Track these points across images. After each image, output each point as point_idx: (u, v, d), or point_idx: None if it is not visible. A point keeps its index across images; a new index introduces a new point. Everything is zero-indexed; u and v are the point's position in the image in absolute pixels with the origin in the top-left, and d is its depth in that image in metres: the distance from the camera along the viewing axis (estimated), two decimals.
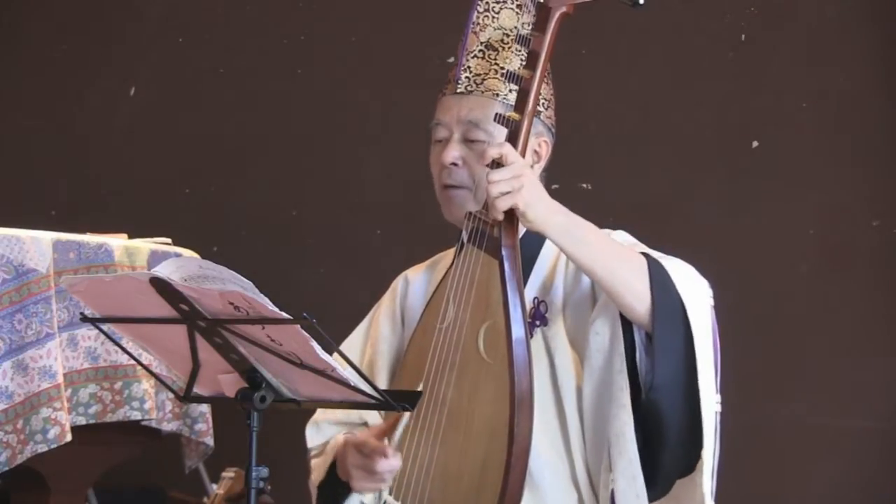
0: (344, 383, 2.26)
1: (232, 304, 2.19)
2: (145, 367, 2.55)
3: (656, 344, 2.55)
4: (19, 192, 5.04)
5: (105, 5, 5.10)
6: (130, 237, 3.78)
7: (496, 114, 2.63)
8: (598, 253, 2.57)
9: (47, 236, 3.46)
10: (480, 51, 2.75)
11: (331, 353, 2.23)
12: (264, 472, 2.32)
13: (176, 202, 4.92)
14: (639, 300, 2.55)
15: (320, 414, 2.87)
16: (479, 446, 2.58)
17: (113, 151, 5.03)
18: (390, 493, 2.68)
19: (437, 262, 2.92)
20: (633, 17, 4.46)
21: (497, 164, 2.55)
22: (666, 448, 2.57)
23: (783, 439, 4.26)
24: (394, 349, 2.87)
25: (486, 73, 2.73)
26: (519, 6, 2.72)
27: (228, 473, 3.23)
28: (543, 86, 2.75)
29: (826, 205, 4.27)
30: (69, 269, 3.48)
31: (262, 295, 2.16)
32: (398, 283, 2.95)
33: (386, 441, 2.58)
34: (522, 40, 2.66)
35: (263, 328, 2.21)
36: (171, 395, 3.64)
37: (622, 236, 2.75)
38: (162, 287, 2.21)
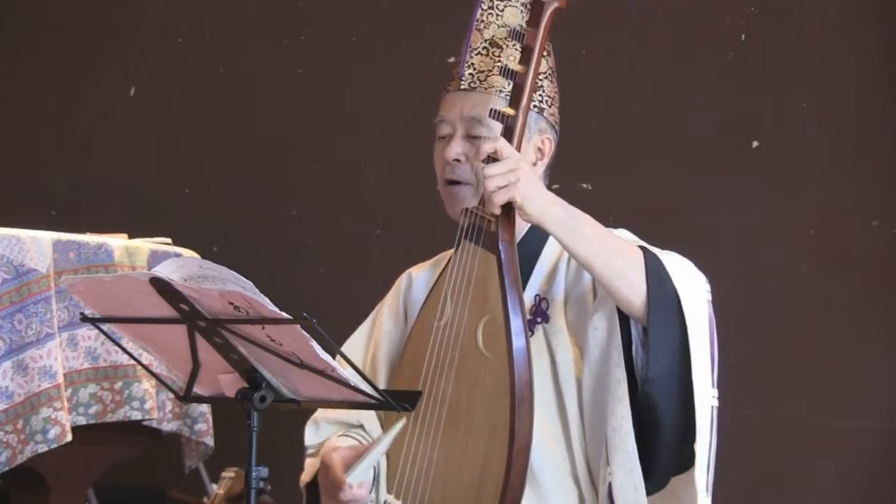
0: (344, 383, 2.27)
1: (232, 304, 2.19)
2: (145, 367, 2.56)
3: (651, 337, 2.56)
4: (19, 192, 5.04)
5: (105, 5, 5.10)
6: (130, 237, 3.78)
7: (491, 109, 2.64)
8: (596, 246, 2.57)
9: (47, 236, 3.46)
10: (484, 48, 2.76)
11: (331, 354, 2.23)
12: (264, 472, 2.32)
13: (176, 202, 4.92)
14: (634, 293, 2.56)
15: (320, 413, 2.88)
16: (480, 443, 2.58)
17: (113, 151, 5.03)
18: (390, 492, 2.69)
19: (440, 261, 2.93)
20: (633, 18, 4.48)
21: (493, 159, 2.56)
22: (661, 441, 2.57)
23: (783, 439, 4.26)
24: (395, 344, 2.87)
25: (490, 70, 2.74)
26: (523, 4, 2.72)
27: (228, 473, 3.23)
28: (547, 83, 2.76)
29: (826, 205, 4.27)
30: (69, 269, 3.48)
31: (262, 295, 2.16)
32: (402, 280, 2.96)
33: (350, 475, 2.59)
34: (517, 35, 2.67)
35: (263, 328, 2.21)
36: (171, 395, 3.64)
37: (624, 234, 2.76)
38: (162, 287, 2.21)
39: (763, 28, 4.36)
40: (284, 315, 2.17)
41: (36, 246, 3.41)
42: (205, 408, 3.77)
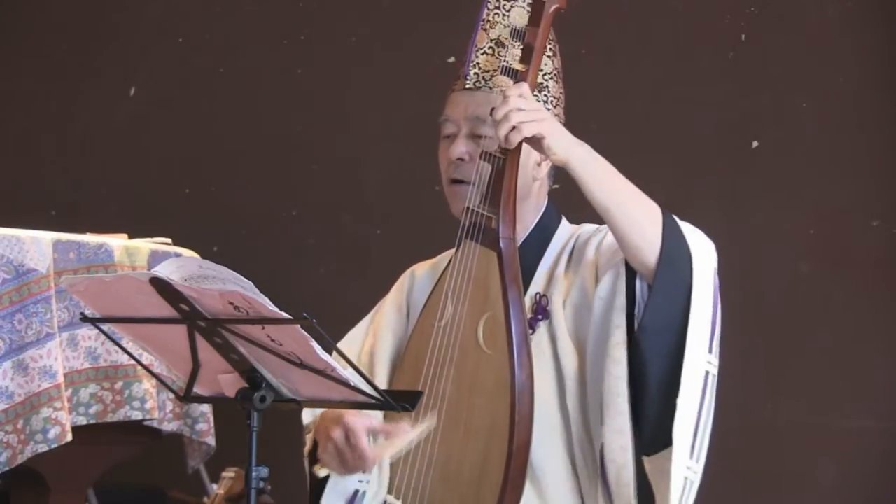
0: (344, 383, 2.27)
1: (232, 304, 2.19)
2: (145, 367, 2.56)
3: (654, 288, 2.56)
4: (19, 192, 5.04)
5: (105, 5, 5.10)
6: (130, 237, 3.78)
7: (492, 109, 2.64)
8: (615, 189, 2.58)
9: (47, 236, 3.46)
10: (490, 48, 2.76)
11: (331, 353, 2.23)
12: (264, 472, 2.32)
13: (176, 202, 4.92)
14: (647, 242, 2.56)
15: None
16: (480, 440, 2.58)
17: (113, 151, 5.03)
18: (390, 492, 2.69)
19: (442, 261, 2.93)
20: (633, 18, 4.48)
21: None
22: (649, 397, 2.57)
23: (783, 439, 4.26)
24: (398, 339, 2.88)
25: (495, 70, 2.74)
26: (529, 4, 2.72)
27: (228, 473, 3.23)
28: (552, 83, 2.77)
29: (826, 205, 4.27)
30: (69, 269, 3.48)
31: (262, 295, 2.16)
32: (405, 277, 2.97)
33: (371, 440, 2.58)
34: (518, 34, 2.68)
35: (263, 328, 2.21)
36: (171, 395, 3.64)
37: None
38: (162, 287, 2.21)
39: (763, 28, 4.36)
40: (284, 315, 2.17)
41: (36, 246, 3.41)
42: (206, 408, 3.77)
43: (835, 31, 4.30)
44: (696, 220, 2.67)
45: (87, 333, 3.49)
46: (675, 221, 2.61)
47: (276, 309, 2.17)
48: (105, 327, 2.39)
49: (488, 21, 2.77)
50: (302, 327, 2.17)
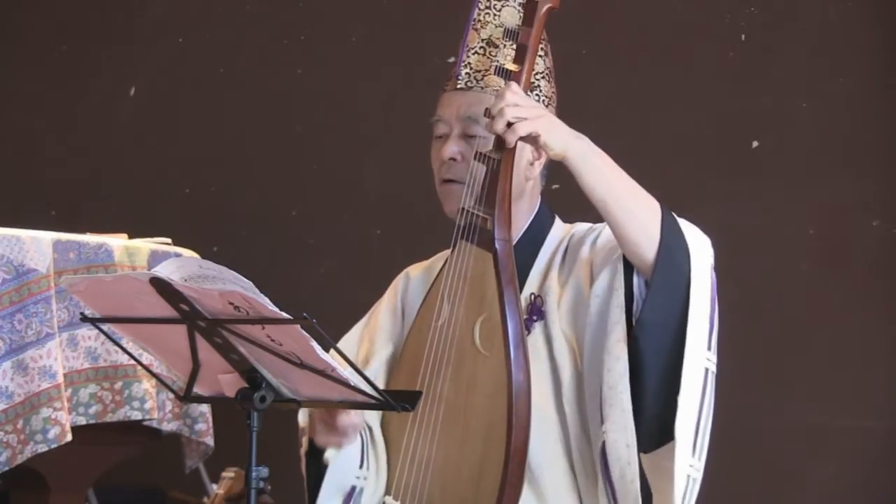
0: (344, 383, 2.27)
1: (232, 304, 2.19)
2: (145, 367, 2.56)
3: (654, 282, 2.56)
4: (19, 192, 5.04)
5: (105, 5, 5.10)
6: (130, 237, 3.78)
7: (487, 109, 2.64)
8: (613, 184, 2.58)
9: (47, 236, 3.46)
10: (481, 47, 2.76)
11: (330, 353, 2.23)
12: (264, 472, 2.32)
13: (176, 202, 4.92)
14: (645, 236, 2.56)
15: None
16: (478, 440, 2.58)
17: (113, 151, 5.03)
18: (389, 493, 2.69)
19: (436, 262, 2.93)
20: (633, 17, 4.48)
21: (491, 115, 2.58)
22: (645, 393, 2.57)
23: (783, 439, 4.26)
24: (393, 343, 2.87)
25: (487, 70, 2.74)
26: (520, 4, 2.72)
27: (228, 473, 3.23)
28: (544, 83, 2.76)
29: (826, 205, 4.27)
30: (69, 269, 3.48)
31: (262, 295, 2.16)
32: (399, 279, 2.96)
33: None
34: (511, 35, 2.67)
35: (263, 328, 2.21)
36: (171, 395, 3.64)
37: None
38: (162, 287, 2.21)
39: (763, 28, 4.36)
40: (284, 315, 2.17)
41: (36, 246, 3.41)
42: (205, 408, 3.76)
43: (835, 31, 4.31)
44: (696, 220, 2.67)
45: (86, 333, 3.49)
46: (673, 217, 2.61)
47: (276, 309, 2.17)
48: (105, 327, 2.39)
49: (479, 21, 2.76)
50: (302, 327, 2.17)
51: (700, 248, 2.61)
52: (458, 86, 2.76)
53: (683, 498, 2.55)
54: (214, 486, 3.21)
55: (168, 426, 3.70)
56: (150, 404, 3.60)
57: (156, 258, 3.67)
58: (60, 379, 3.38)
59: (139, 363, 2.58)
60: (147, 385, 3.59)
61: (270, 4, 4.93)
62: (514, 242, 2.71)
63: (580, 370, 2.67)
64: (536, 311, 2.73)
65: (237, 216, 4.88)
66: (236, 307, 2.19)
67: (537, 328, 2.72)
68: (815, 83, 4.31)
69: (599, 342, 2.63)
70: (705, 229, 2.67)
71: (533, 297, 2.74)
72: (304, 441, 2.80)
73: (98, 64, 5.06)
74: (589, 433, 2.66)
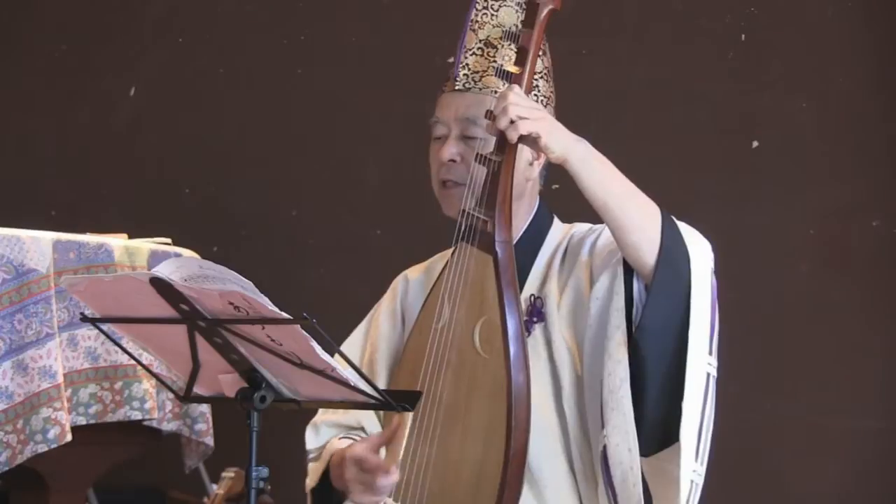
0: (344, 383, 2.26)
1: (232, 304, 2.19)
2: (145, 367, 2.55)
3: (653, 287, 2.55)
4: (19, 192, 5.04)
5: (105, 5, 5.10)
6: (130, 237, 3.78)
7: (487, 111, 2.64)
8: (614, 188, 2.57)
9: (47, 236, 3.46)
10: (479, 48, 2.75)
11: (331, 354, 2.23)
12: (264, 472, 2.31)
13: (176, 202, 4.92)
14: (646, 240, 2.56)
15: (320, 416, 2.88)
16: (477, 443, 2.58)
17: (113, 151, 5.03)
18: (389, 495, 2.69)
19: (435, 263, 2.93)
20: (633, 17, 4.48)
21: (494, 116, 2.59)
22: (647, 398, 2.56)
23: (783, 439, 4.26)
24: (393, 347, 2.87)
25: (485, 71, 2.73)
26: (518, 4, 2.72)
27: (228, 473, 3.23)
28: (543, 83, 2.76)
29: (826, 205, 4.27)
30: (69, 269, 3.48)
31: (262, 295, 2.16)
32: (398, 282, 2.95)
33: (383, 452, 2.57)
34: (512, 37, 2.67)
35: (263, 328, 2.21)
36: (171, 395, 3.64)
37: None
38: (162, 287, 2.21)
39: (763, 28, 4.36)
40: (284, 315, 2.17)
41: (36, 246, 3.41)
42: (205, 408, 3.77)
43: (835, 30, 4.31)
44: (696, 220, 2.67)
45: (86, 333, 3.50)
46: (673, 221, 2.61)
47: (276, 309, 2.17)
48: (105, 327, 2.39)
49: (477, 21, 2.76)
50: (302, 327, 2.17)
51: (700, 252, 2.60)
52: (457, 87, 2.76)
53: (687, 502, 2.55)
54: (214, 486, 3.20)
55: (168, 426, 3.70)
56: (150, 404, 3.60)
57: (156, 258, 3.67)
58: (60, 379, 3.38)
59: (139, 363, 2.58)
60: (147, 385, 3.60)
61: (270, 4, 4.93)
62: (513, 243, 2.71)
63: (580, 372, 2.67)
64: (536, 312, 2.72)
65: (237, 216, 4.88)
66: (236, 307, 2.19)
67: (537, 330, 2.71)
68: (815, 83, 4.31)
69: (600, 345, 2.62)
70: (705, 230, 2.67)
71: (533, 298, 2.73)
72: (312, 474, 2.78)
73: (98, 64, 5.06)
74: (589, 435, 2.66)
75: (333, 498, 2.72)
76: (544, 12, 2.66)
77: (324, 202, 4.80)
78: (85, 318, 2.33)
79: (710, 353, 2.59)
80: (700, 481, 2.57)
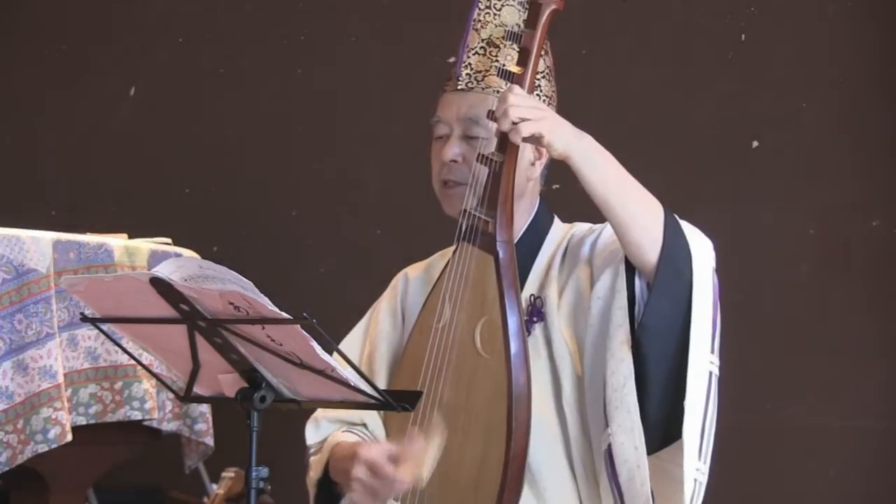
0: (344, 383, 2.26)
1: (232, 304, 2.19)
2: (145, 367, 2.55)
3: (655, 286, 2.55)
4: (19, 192, 5.04)
5: (105, 5, 5.10)
6: (130, 237, 3.78)
7: (489, 111, 2.64)
8: (616, 185, 2.57)
9: (47, 236, 3.46)
10: (481, 48, 2.75)
11: (331, 353, 2.23)
12: (264, 472, 2.31)
13: (176, 202, 4.92)
14: (648, 238, 2.55)
15: (320, 412, 2.87)
16: (477, 443, 2.58)
17: (113, 151, 5.03)
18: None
19: (435, 261, 2.92)
20: (633, 17, 4.48)
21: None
22: (650, 396, 2.56)
23: (783, 439, 4.26)
24: (394, 346, 2.87)
25: (487, 70, 2.73)
26: (521, 3, 2.72)
27: (228, 473, 3.22)
28: (545, 82, 2.76)
29: (826, 205, 4.27)
30: (69, 269, 3.48)
31: (262, 295, 2.16)
32: (398, 280, 2.95)
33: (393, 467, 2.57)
34: (514, 37, 2.67)
35: (263, 328, 2.21)
36: (171, 395, 3.64)
37: None
38: (162, 287, 2.21)
39: (763, 28, 4.36)
40: (284, 315, 2.17)
41: (36, 246, 3.41)
42: (205, 408, 3.77)
43: (835, 30, 4.31)
44: (696, 220, 2.67)
45: (87, 333, 3.50)
46: (675, 219, 2.61)
47: (276, 309, 2.17)
48: (105, 327, 2.39)
49: (479, 21, 2.75)
50: (302, 327, 2.17)
51: (702, 251, 2.60)
52: (459, 87, 2.75)
53: (690, 501, 2.55)
54: (214, 486, 3.20)
55: (168, 426, 3.70)
56: (150, 404, 3.60)
57: (156, 258, 3.67)
58: (60, 379, 3.38)
59: (139, 363, 2.58)
60: (147, 385, 3.60)
61: (270, 4, 4.92)
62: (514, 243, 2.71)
63: (580, 372, 2.67)
64: (536, 312, 2.72)
65: (237, 216, 4.88)
66: (236, 307, 2.19)
67: (537, 329, 2.71)
68: (815, 83, 4.31)
69: (601, 344, 2.62)
70: (705, 229, 2.67)
71: (533, 298, 2.73)
72: (316, 466, 2.78)
73: (98, 64, 5.06)
74: (589, 435, 2.66)
75: (335, 492, 2.72)
76: (546, 12, 2.65)
77: (324, 202, 4.80)
78: (85, 318, 2.33)
79: (712, 352, 2.59)
80: (704, 480, 2.57)
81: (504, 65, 2.67)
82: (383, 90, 4.74)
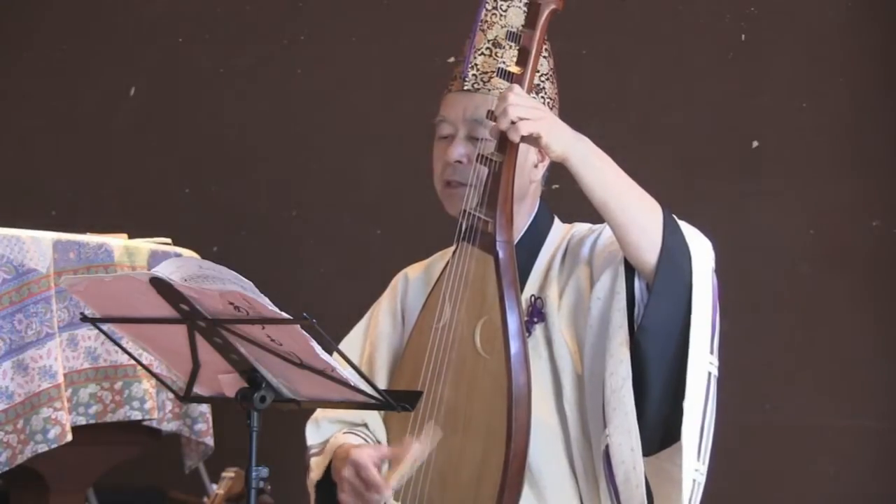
0: (344, 383, 2.27)
1: (232, 304, 2.19)
2: (145, 367, 2.55)
3: (656, 286, 2.55)
4: (19, 192, 5.04)
5: (105, 5, 5.10)
6: (130, 237, 3.78)
7: (489, 111, 2.64)
8: (615, 187, 2.57)
9: (47, 236, 3.46)
10: (487, 49, 2.75)
11: (331, 353, 2.23)
12: (264, 472, 2.32)
13: (176, 202, 4.92)
14: (647, 239, 2.56)
15: (320, 412, 2.87)
16: (477, 444, 2.58)
17: (113, 151, 5.03)
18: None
19: (435, 262, 2.93)
20: (633, 18, 4.48)
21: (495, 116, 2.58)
22: (650, 398, 2.56)
23: (783, 439, 4.26)
24: (394, 346, 2.87)
25: (493, 72, 2.72)
26: (525, 4, 2.72)
27: (228, 473, 3.23)
28: (548, 84, 2.76)
29: (826, 205, 4.27)
30: (69, 269, 3.48)
31: (262, 295, 2.16)
32: (398, 280, 2.95)
33: (386, 467, 2.58)
34: (513, 37, 2.67)
35: (263, 328, 2.21)
36: (171, 395, 3.64)
37: None
38: (162, 287, 2.21)
39: (763, 28, 4.36)
40: (284, 315, 2.17)
41: (36, 246, 3.41)
42: (205, 408, 3.77)
43: (835, 31, 4.31)
44: (696, 220, 2.67)
45: (87, 333, 3.50)
46: (674, 220, 2.61)
47: (276, 309, 2.17)
48: (105, 327, 2.39)
49: (486, 22, 2.75)
50: (302, 327, 2.17)
51: (701, 251, 2.60)
52: (465, 87, 2.75)
53: (689, 501, 2.55)
54: (214, 486, 3.20)
55: (168, 426, 3.70)
56: (150, 404, 3.60)
57: (156, 258, 3.67)
58: (60, 379, 3.38)
59: (139, 363, 2.58)
60: (147, 385, 3.60)
61: (270, 4, 4.92)
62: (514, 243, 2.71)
63: (580, 372, 2.67)
64: (537, 312, 2.72)
65: (237, 216, 4.88)
66: (236, 307, 2.19)
67: (538, 330, 2.71)
68: (815, 83, 4.31)
69: (601, 345, 2.62)
70: (704, 230, 2.68)
71: (533, 298, 2.73)
72: (316, 467, 2.78)
73: (98, 64, 5.06)
74: (589, 435, 2.66)
75: (336, 493, 2.72)
76: (546, 13, 2.65)
77: (324, 202, 4.80)
78: (85, 318, 2.33)
79: (712, 353, 2.59)
80: (702, 480, 2.57)
81: (504, 65, 2.67)
82: (383, 90, 4.74)
